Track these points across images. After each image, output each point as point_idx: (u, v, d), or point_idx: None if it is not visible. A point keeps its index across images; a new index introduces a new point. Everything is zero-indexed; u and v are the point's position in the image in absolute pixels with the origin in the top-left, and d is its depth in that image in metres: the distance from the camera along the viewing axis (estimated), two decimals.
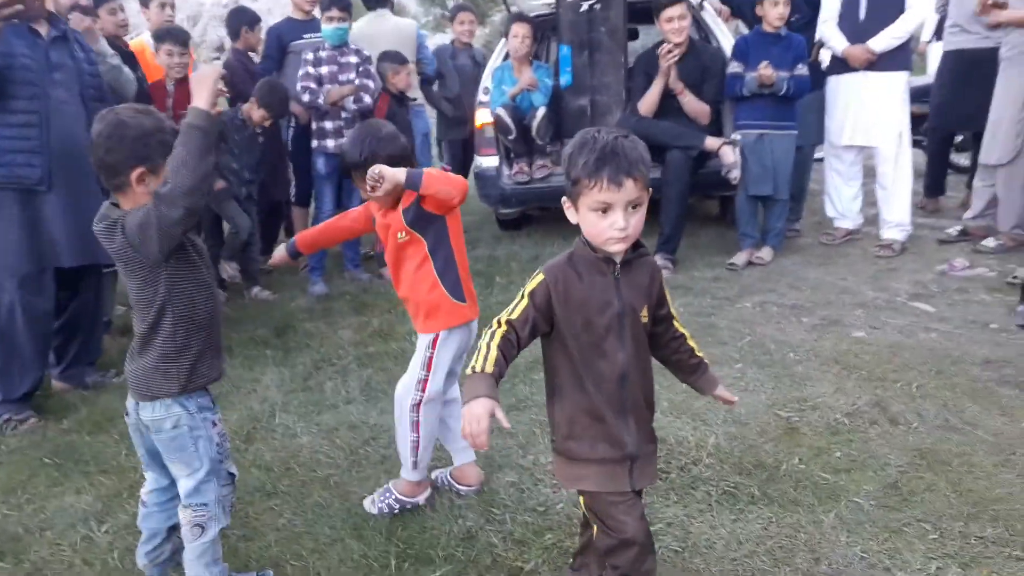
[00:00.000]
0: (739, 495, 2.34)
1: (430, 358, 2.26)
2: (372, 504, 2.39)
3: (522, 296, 1.61)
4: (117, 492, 2.58)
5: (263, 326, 4.09)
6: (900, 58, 4.61)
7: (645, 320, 1.65)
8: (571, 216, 1.63)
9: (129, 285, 1.88)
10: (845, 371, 3.07)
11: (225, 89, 4.27)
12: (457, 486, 2.45)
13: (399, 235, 2.22)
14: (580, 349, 1.61)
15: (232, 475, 2.03)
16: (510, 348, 1.56)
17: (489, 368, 1.50)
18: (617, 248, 1.57)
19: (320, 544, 2.24)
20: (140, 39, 4.61)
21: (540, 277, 1.61)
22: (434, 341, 2.26)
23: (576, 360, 1.62)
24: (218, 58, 5.37)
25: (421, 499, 2.38)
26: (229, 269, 4.51)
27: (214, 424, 1.95)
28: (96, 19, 3.72)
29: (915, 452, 2.51)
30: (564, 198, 1.63)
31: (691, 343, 1.79)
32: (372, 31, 5.14)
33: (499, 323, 1.58)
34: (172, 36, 4.26)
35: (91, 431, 3.02)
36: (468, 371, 1.51)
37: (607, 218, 1.54)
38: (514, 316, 1.58)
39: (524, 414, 2.94)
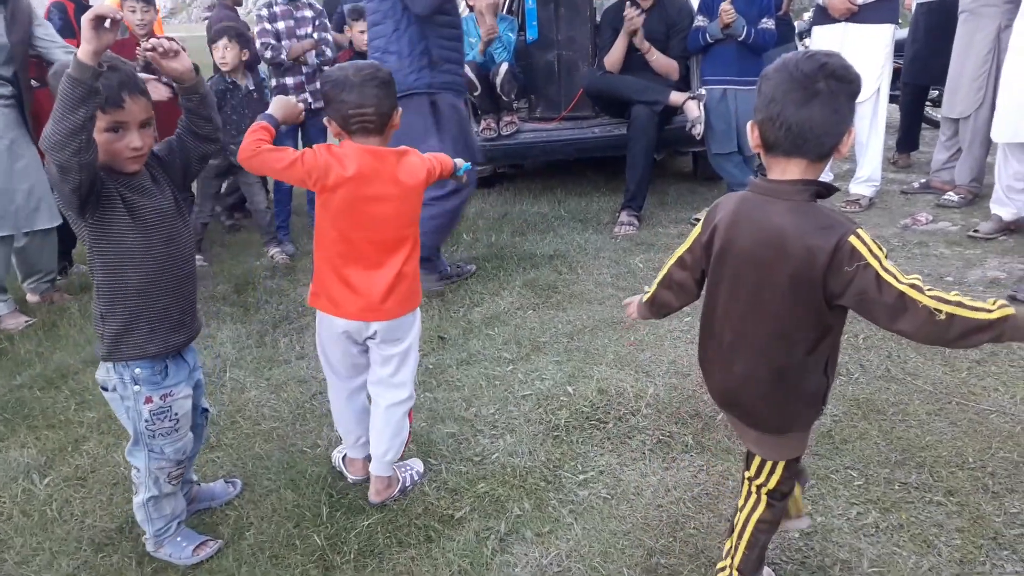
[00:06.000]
0: (673, 444, 2.37)
1: None
2: (336, 453, 2.40)
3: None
4: (62, 446, 2.59)
5: (224, 283, 4.08)
6: (884, 11, 4.47)
7: None
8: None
9: None
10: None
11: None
12: (345, 471, 2.34)
13: None
14: None
15: (165, 453, 1.93)
16: None
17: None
18: None
19: (256, 495, 2.27)
20: None
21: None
22: None
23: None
24: (209, 17, 5.15)
25: (350, 477, 2.30)
26: (278, 256, 4.42)
27: (149, 400, 1.87)
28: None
29: (852, 402, 2.53)
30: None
31: None
32: None
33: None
34: None
35: (43, 387, 3.03)
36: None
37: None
38: None
39: (474, 368, 2.96)
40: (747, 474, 1.63)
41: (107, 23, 1.54)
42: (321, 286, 2.05)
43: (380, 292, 2.00)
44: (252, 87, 4.28)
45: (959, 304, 1.27)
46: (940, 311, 1.27)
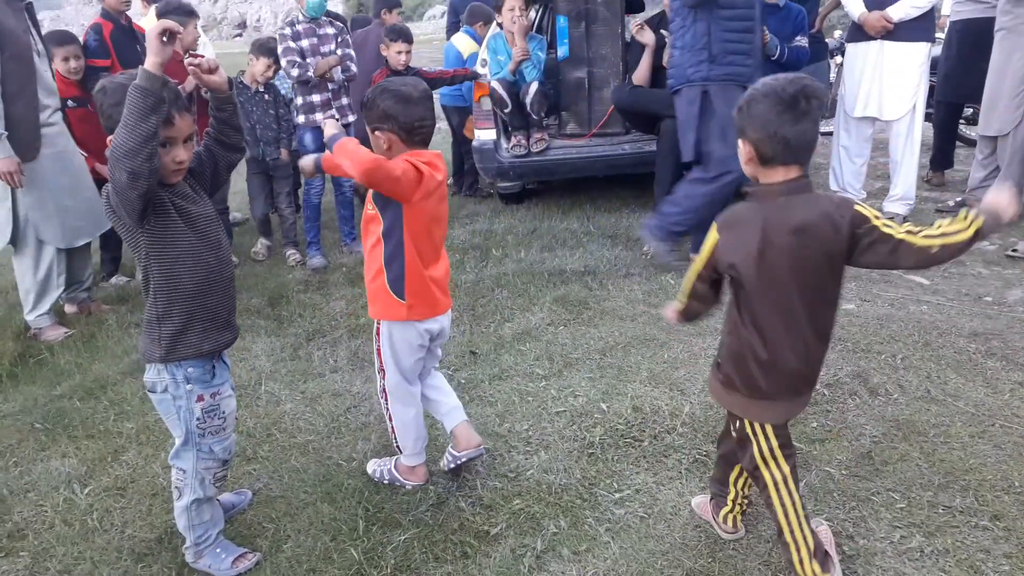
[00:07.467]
0: (710, 463, 2.34)
1: (378, 348, 2.25)
2: (373, 465, 2.42)
3: None
4: (102, 456, 2.62)
5: (258, 296, 4.12)
6: (921, 29, 4.43)
7: None
8: None
9: None
10: (830, 343, 3.03)
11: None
12: (457, 455, 2.33)
13: (368, 206, 2.16)
14: None
15: (213, 452, 2.00)
16: None
17: None
18: None
19: (293, 508, 2.28)
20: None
21: None
22: (377, 330, 2.23)
23: None
24: (239, 35, 5.26)
25: (409, 484, 2.33)
26: (292, 258, 4.76)
27: (200, 398, 1.94)
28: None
29: (892, 423, 2.49)
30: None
31: None
32: None
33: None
34: (181, 10, 4.30)
35: (83, 397, 3.07)
36: None
37: None
38: None
39: (506, 383, 2.96)
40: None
41: (166, 37, 1.65)
42: (417, 296, 2.13)
43: (447, 280, 2.23)
44: (261, 88, 4.59)
45: (943, 235, 1.55)
46: (933, 247, 1.55)
